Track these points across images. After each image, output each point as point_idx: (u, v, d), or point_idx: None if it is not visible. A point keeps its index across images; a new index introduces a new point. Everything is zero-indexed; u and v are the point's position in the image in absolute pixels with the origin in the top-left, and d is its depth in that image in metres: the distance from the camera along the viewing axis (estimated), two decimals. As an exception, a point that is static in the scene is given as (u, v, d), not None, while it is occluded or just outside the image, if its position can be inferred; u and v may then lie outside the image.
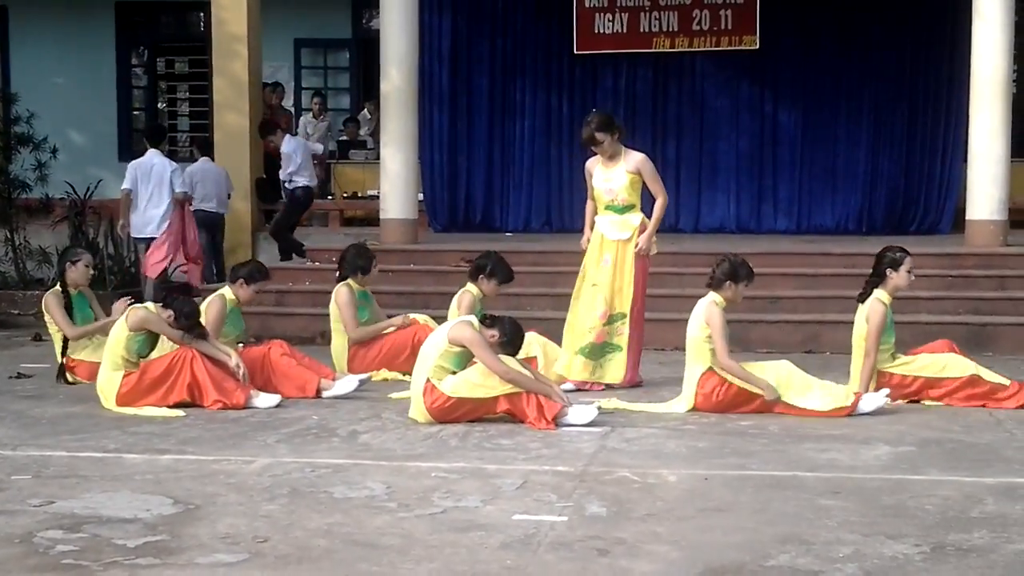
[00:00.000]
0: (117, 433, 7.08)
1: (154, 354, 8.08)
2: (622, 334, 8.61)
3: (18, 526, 5.10)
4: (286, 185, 13.70)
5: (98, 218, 14.46)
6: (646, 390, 8.57)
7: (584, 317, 8.66)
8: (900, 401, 7.97)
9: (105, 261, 13.51)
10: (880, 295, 8.04)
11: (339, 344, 9.30)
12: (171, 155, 19.25)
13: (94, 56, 18.42)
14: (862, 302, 8.10)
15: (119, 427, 7.25)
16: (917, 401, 8.04)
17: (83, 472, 6.10)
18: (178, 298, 8.32)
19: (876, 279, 8.12)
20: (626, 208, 8.64)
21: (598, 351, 8.62)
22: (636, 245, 8.59)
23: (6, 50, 17.17)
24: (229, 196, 14.19)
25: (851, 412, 7.60)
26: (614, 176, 8.62)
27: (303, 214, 14.26)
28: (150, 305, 8.23)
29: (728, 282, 7.85)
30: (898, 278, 8.08)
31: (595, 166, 8.75)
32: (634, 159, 8.63)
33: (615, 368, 8.65)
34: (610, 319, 8.60)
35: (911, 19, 14.95)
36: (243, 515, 5.28)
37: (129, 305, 8.40)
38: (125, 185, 12.64)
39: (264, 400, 7.95)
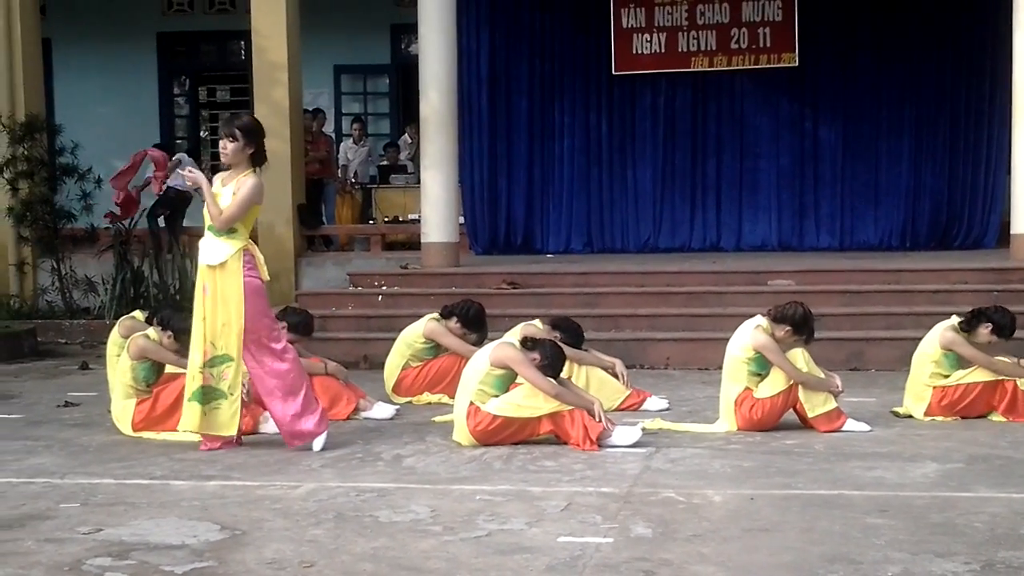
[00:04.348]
0: (164, 460, 7.13)
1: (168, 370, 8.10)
2: (226, 379, 7.32)
3: (67, 554, 5.14)
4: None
5: (143, 247, 14.59)
6: (690, 410, 8.52)
7: (193, 356, 7.39)
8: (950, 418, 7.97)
9: (151, 289, 13.64)
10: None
11: (394, 365, 9.28)
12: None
13: (137, 86, 18.63)
14: (966, 331, 8.06)
15: (165, 454, 7.30)
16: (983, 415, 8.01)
17: (130, 499, 6.15)
18: (173, 316, 8.28)
19: (975, 320, 8.09)
20: (226, 232, 7.32)
21: (206, 395, 7.36)
22: (243, 277, 7.24)
23: (50, 81, 17.35)
24: None
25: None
26: (223, 195, 7.37)
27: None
28: (150, 332, 8.14)
29: (789, 328, 7.68)
30: (981, 337, 8.04)
31: (218, 177, 7.57)
32: (245, 183, 7.34)
33: (223, 417, 7.37)
34: (212, 361, 7.30)
35: (951, 31, 14.88)
36: (289, 540, 5.30)
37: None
38: None
39: (272, 426, 7.77)
